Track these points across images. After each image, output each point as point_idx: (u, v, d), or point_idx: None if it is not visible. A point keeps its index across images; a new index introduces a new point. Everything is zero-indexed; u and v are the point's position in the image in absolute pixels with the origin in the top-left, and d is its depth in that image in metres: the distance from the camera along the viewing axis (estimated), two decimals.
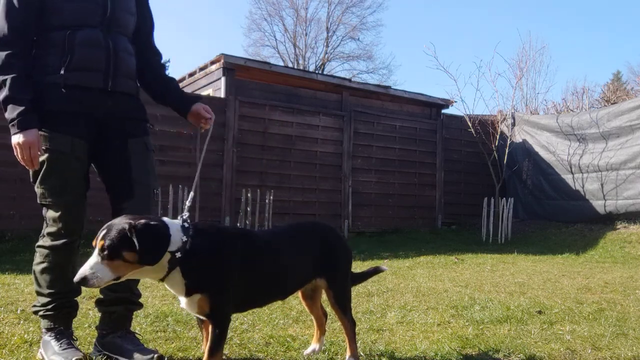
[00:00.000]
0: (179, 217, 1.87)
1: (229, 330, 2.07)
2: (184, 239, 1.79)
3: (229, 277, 1.87)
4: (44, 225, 2.20)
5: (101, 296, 2.30)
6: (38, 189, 2.17)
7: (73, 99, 2.13)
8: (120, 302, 2.26)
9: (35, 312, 2.24)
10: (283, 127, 8.60)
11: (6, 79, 2.03)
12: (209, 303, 1.81)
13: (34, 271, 2.21)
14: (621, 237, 8.05)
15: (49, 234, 2.16)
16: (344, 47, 29.61)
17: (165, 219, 1.83)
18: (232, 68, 8.31)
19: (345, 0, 28.57)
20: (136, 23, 2.36)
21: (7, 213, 6.47)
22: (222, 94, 8.23)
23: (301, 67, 26.08)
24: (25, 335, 2.57)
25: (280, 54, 28.58)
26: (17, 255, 5.66)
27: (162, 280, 1.80)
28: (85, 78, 2.14)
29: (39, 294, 2.21)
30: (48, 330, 2.19)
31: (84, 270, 1.66)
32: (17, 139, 2.03)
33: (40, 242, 2.20)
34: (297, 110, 8.74)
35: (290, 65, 26.34)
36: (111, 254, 1.66)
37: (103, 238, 1.68)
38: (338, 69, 28.79)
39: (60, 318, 2.20)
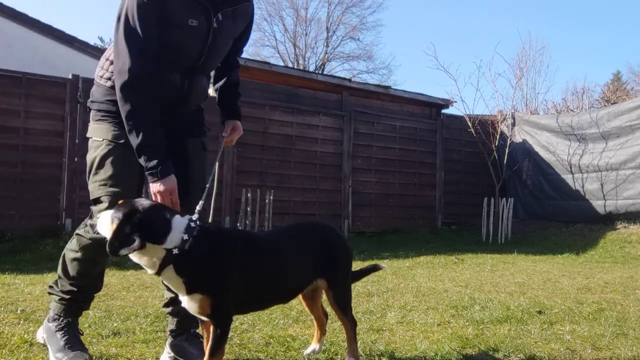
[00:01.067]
0: (186, 216, 1.87)
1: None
2: (185, 237, 1.79)
3: (229, 278, 1.87)
4: (89, 217, 2.19)
5: (166, 299, 2.34)
6: (94, 182, 2.14)
7: None
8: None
9: (50, 293, 2.28)
10: (283, 127, 8.60)
11: (140, 126, 1.98)
12: (210, 303, 1.81)
13: (65, 255, 2.22)
14: (621, 237, 8.05)
15: (93, 225, 2.08)
16: (344, 47, 29.68)
17: (177, 217, 1.83)
18: None
19: (345, 0, 28.61)
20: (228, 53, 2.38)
21: (7, 213, 6.46)
22: None
23: (301, 67, 26.08)
24: (25, 335, 2.57)
25: (280, 54, 28.61)
26: (17, 255, 5.67)
27: (156, 274, 1.81)
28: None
29: (61, 278, 2.23)
30: (56, 317, 2.22)
31: (104, 212, 1.86)
32: (156, 187, 2.00)
33: (81, 231, 2.19)
34: (297, 110, 8.74)
35: (290, 65, 26.34)
36: (111, 217, 1.79)
37: (123, 202, 1.82)
38: (338, 69, 28.84)
39: (72, 310, 2.24)
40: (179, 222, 1.82)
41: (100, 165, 2.13)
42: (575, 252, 7.37)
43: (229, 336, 1.99)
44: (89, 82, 7.04)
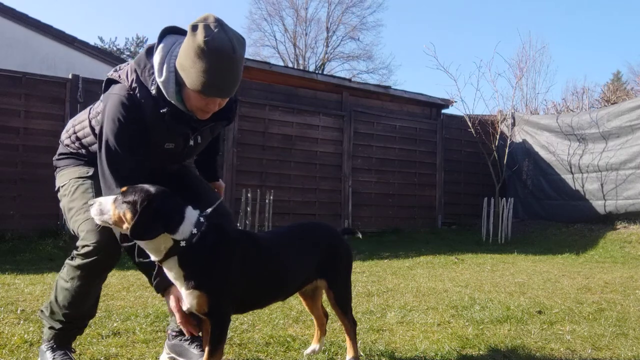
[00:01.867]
0: (196, 210, 1.87)
1: (229, 330, 2.07)
2: (194, 231, 1.78)
3: (230, 277, 1.86)
4: (71, 258, 2.06)
5: None
6: (74, 221, 2.08)
7: None
8: None
9: (41, 318, 2.17)
10: (283, 127, 8.60)
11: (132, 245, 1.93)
12: (208, 302, 1.80)
13: (57, 282, 2.09)
14: (621, 237, 8.05)
15: (77, 257, 2.01)
16: (344, 47, 29.69)
17: (189, 208, 1.82)
18: None
19: (345, 0, 28.62)
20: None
21: (7, 213, 6.47)
22: None
23: (301, 67, 26.09)
24: (25, 335, 2.57)
25: (280, 54, 28.63)
26: (17, 255, 5.67)
27: (159, 262, 1.80)
28: None
29: (52, 303, 2.09)
30: (48, 340, 2.12)
31: (99, 199, 1.79)
32: (167, 301, 1.96)
33: (71, 261, 2.06)
34: (297, 110, 8.74)
35: (290, 65, 26.35)
36: (120, 204, 1.74)
37: (129, 187, 1.77)
38: (338, 69, 28.85)
39: (64, 337, 2.12)
40: (191, 215, 1.81)
41: (73, 200, 2.09)
42: (575, 252, 7.37)
43: (228, 336, 1.99)
44: (89, 82, 7.06)
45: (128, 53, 31.85)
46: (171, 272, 1.82)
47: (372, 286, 4.35)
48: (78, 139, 2.19)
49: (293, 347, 2.55)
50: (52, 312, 2.10)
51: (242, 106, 8.15)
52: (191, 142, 2.11)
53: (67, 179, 2.15)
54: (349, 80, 10.45)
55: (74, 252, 2.02)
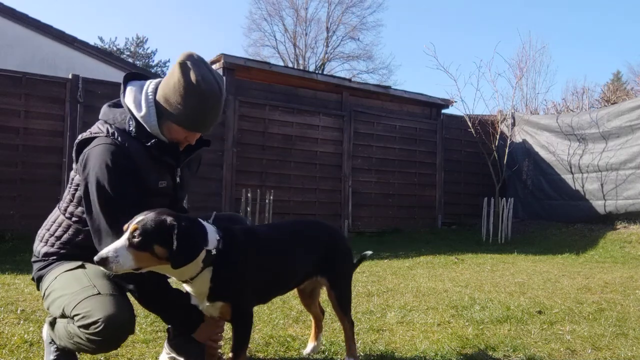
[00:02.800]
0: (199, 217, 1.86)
1: (228, 330, 2.07)
2: (217, 237, 1.79)
3: (248, 276, 1.88)
4: (79, 323, 1.82)
5: None
6: (61, 301, 1.89)
7: None
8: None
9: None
10: (283, 127, 8.60)
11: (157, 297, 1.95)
12: (232, 309, 1.83)
13: (59, 334, 1.93)
14: (621, 237, 8.05)
15: (90, 334, 1.77)
16: (344, 47, 29.69)
17: (203, 223, 1.80)
18: (232, 68, 8.31)
19: (345, 0, 28.63)
20: None
21: (7, 213, 6.47)
22: None
23: (301, 67, 26.09)
24: (25, 335, 2.57)
25: (280, 54, 28.63)
26: (17, 255, 5.66)
27: (187, 280, 1.75)
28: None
29: (54, 334, 1.97)
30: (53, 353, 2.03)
31: (108, 251, 1.56)
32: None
33: (76, 331, 1.84)
34: (297, 110, 8.74)
35: (290, 65, 26.36)
36: (142, 243, 1.58)
37: (138, 223, 1.60)
38: (338, 69, 28.86)
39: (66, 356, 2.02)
40: (212, 233, 1.80)
41: (64, 288, 1.88)
42: (575, 252, 7.37)
43: (228, 336, 2.00)
44: (89, 82, 7.07)
45: (128, 53, 31.87)
46: (198, 288, 1.80)
47: (372, 286, 4.35)
48: (58, 238, 2.02)
49: (293, 347, 2.55)
50: (55, 336, 1.99)
51: (242, 106, 8.15)
52: (177, 179, 2.11)
53: (54, 277, 1.95)
54: (349, 80, 10.45)
55: (81, 330, 1.76)
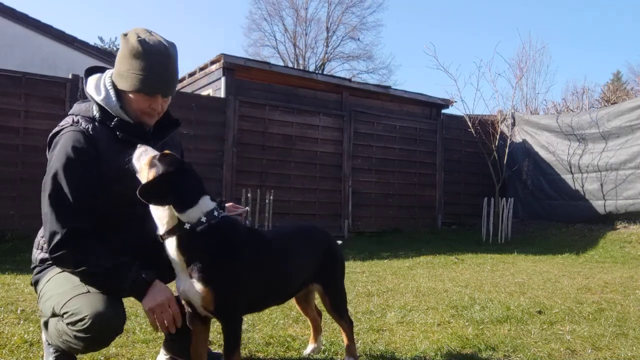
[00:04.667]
0: (214, 202, 1.84)
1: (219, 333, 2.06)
2: (203, 219, 1.76)
3: (239, 275, 1.81)
4: (67, 320, 1.81)
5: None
6: (52, 301, 1.87)
7: None
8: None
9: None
10: (283, 127, 8.60)
11: (93, 270, 1.77)
12: (215, 300, 1.74)
13: (51, 332, 1.92)
14: (621, 237, 8.05)
15: (77, 331, 1.76)
16: (344, 47, 29.62)
17: (207, 197, 1.80)
18: (232, 68, 8.31)
19: (345, 0, 28.57)
20: None
21: (7, 213, 6.46)
22: (222, 93, 8.23)
23: (301, 67, 26.07)
24: (25, 335, 2.57)
25: (280, 54, 28.59)
26: (17, 255, 5.66)
27: (161, 237, 1.78)
28: None
29: (48, 334, 1.95)
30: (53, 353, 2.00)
31: (146, 148, 1.85)
32: (146, 304, 1.78)
33: (64, 328, 1.83)
34: (297, 110, 8.74)
35: (290, 65, 26.33)
36: (154, 160, 1.78)
37: (169, 155, 1.82)
38: (338, 69, 28.81)
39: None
40: (206, 204, 1.79)
41: (55, 287, 1.87)
42: (575, 252, 7.37)
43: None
44: None
45: None
46: (171, 254, 1.78)
47: (372, 286, 4.35)
48: None
49: (293, 347, 2.55)
50: (50, 336, 1.96)
51: (242, 106, 8.15)
52: None
53: (48, 278, 1.94)
54: (349, 80, 10.46)
55: (69, 327, 1.75)
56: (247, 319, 3.04)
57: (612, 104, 10.92)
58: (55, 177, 1.84)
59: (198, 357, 1.93)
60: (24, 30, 10.78)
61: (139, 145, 1.87)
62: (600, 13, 44.92)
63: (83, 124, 1.94)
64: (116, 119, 1.95)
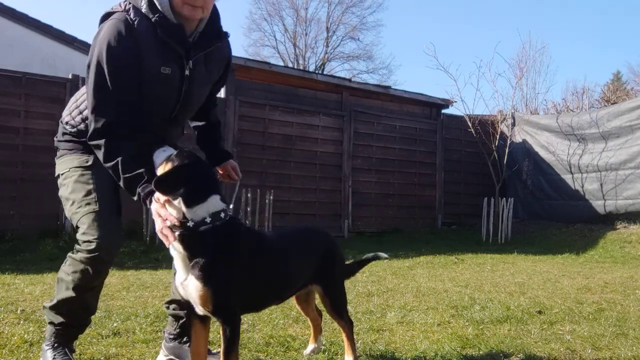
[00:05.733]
0: (223, 204, 1.84)
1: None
2: (207, 220, 1.75)
3: (237, 276, 1.81)
4: (78, 237, 2.05)
5: (172, 297, 2.29)
6: (73, 212, 2.05)
7: None
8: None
9: (43, 312, 2.16)
10: (283, 127, 8.60)
11: (119, 162, 1.87)
12: (213, 299, 1.74)
13: (59, 278, 2.09)
14: (621, 237, 8.05)
15: (80, 251, 2.01)
16: (344, 47, 29.61)
17: (216, 197, 1.80)
18: (232, 68, 8.29)
19: (345, 0, 28.56)
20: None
21: (7, 213, 6.47)
22: (222, 93, 8.22)
23: (301, 67, 26.07)
24: (25, 335, 2.57)
25: (280, 54, 28.58)
26: (17, 255, 5.66)
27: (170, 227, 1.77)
28: None
29: (56, 299, 2.09)
30: (49, 338, 2.12)
31: (165, 149, 1.90)
32: (153, 207, 1.83)
33: (72, 254, 2.07)
34: (297, 110, 8.74)
35: (290, 65, 26.33)
36: (172, 158, 1.82)
37: (185, 151, 1.87)
38: (338, 69, 28.80)
39: (64, 335, 2.11)
40: (214, 203, 1.78)
41: (73, 191, 2.05)
42: (575, 252, 7.37)
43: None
44: None
45: None
46: (174, 248, 1.79)
47: (372, 286, 4.35)
48: (81, 112, 2.09)
49: (293, 347, 2.55)
50: (54, 306, 2.09)
51: (242, 106, 8.15)
52: (187, 72, 2.04)
53: (67, 167, 2.10)
54: (349, 80, 10.46)
55: (76, 245, 2.02)
56: (247, 319, 3.04)
57: (612, 104, 10.92)
58: (97, 63, 1.88)
59: (198, 357, 1.93)
60: (24, 30, 10.77)
61: (156, 153, 1.88)
62: (601, 13, 44.92)
63: (132, 14, 1.92)
64: (158, 14, 1.93)
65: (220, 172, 2.47)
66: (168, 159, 1.83)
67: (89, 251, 1.96)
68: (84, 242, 1.98)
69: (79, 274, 2.01)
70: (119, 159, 1.86)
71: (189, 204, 1.74)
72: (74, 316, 2.10)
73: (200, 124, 2.42)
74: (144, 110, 1.99)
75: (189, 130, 2.52)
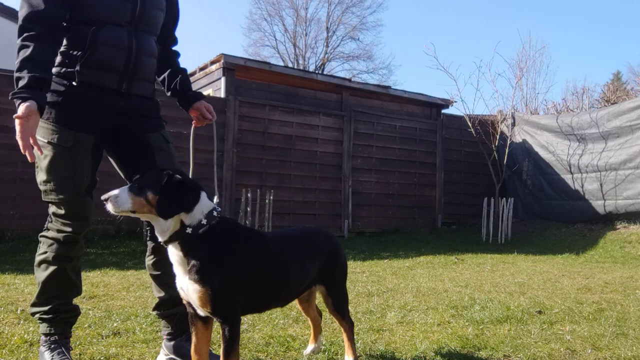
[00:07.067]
0: (212, 202, 1.86)
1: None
2: (204, 222, 1.77)
3: (235, 276, 1.81)
4: (48, 219, 2.15)
5: (157, 299, 2.29)
6: (41, 186, 2.10)
7: (84, 95, 2.07)
8: (178, 303, 2.11)
9: (33, 314, 2.17)
10: (283, 127, 8.60)
11: (27, 57, 2.04)
12: (211, 299, 1.75)
13: (36, 264, 2.15)
14: (621, 237, 8.05)
15: (51, 229, 2.12)
16: (344, 47, 29.66)
17: (204, 194, 1.82)
18: (232, 68, 8.31)
19: (345, 0, 28.58)
20: (164, 18, 2.31)
21: (7, 213, 6.46)
22: (222, 94, 8.23)
23: (301, 67, 26.08)
24: (25, 335, 2.57)
25: (280, 54, 28.59)
26: (17, 255, 5.66)
27: (164, 243, 1.80)
28: (99, 77, 2.08)
29: (39, 289, 2.13)
30: (45, 336, 2.13)
31: (111, 192, 1.75)
32: (19, 110, 1.97)
33: (45, 233, 2.15)
34: (297, 110, 8.74)
35: (290, 65, 26.34)
36: (138, 189, 1.75)
37: (141, 175, 1.82)
38: (338, 69, 28.82)
39: (58, 322, 2.13)
40: (205, 204, 1.80)
41: (48, 171, 2.08)
42: (575, 252, 7.37)
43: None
44: None
45: None
46: (173, 255, 1.80)
47: (372, 286, 4.35)
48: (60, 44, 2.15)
49: (293, 347, 2.55)
50: (39, 295, 2.12)
51: (242, 106, 8.14)
52: None
53: (41, 135, 2.13)
54: (349, 80, 10.45)
55: (47, 223, 2.14)
56: (247, 319, 3.04)
57: (612, 104, 10.92)
58: None
59: (199, 357, 1.93)
60: None
61: (103, 197, 1.77)
62: (601, 13, 44.91)
63: None
64: None
65: (194, 114, 2.44)
66: (137, 188, 1.76)
67: (61, 228, 2.09)
68: (56, 220, 2.11)
69: (53, 245, 2.10)
70: (33, 49, 2.10)
71: (190, 209, 1.76)
72: (61, 296, 2.12)
73: (165, 73, 2.42)
74: (105, 9, 2.07)
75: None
